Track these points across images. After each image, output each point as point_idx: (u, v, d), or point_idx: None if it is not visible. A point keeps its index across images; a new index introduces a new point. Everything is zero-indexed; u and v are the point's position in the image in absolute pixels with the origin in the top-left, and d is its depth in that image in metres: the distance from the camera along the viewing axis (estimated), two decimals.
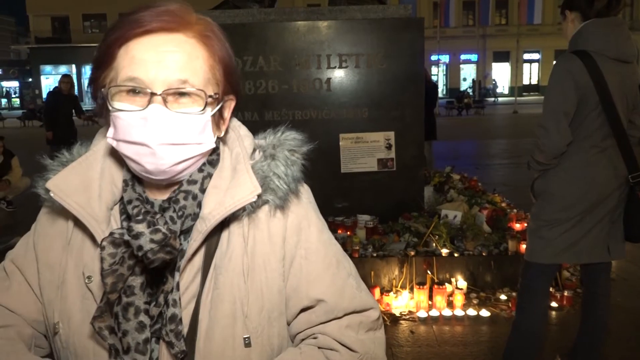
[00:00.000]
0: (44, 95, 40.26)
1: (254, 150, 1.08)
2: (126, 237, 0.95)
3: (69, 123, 9.20)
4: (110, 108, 0.95)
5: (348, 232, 4.72)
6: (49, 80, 43.15)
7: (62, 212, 1.06)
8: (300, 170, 1.06)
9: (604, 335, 2.91)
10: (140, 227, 0.92)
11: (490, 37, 41.66)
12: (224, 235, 1.03)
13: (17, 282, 1.12)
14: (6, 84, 53.71)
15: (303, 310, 1.09)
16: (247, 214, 1.02)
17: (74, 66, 41.69)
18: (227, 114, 1.06)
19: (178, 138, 0.94)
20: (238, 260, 1.01)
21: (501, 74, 44.51)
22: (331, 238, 1.14)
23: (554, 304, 4.06)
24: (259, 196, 1.00)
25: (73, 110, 9.36)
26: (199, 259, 1.01)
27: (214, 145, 1.01)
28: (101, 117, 1.03)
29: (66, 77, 9.48)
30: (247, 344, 1.01)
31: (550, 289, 3.60)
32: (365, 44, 4.94)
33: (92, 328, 0.98)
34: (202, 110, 0.96)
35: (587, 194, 2.59)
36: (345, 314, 1.10)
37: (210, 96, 0.97)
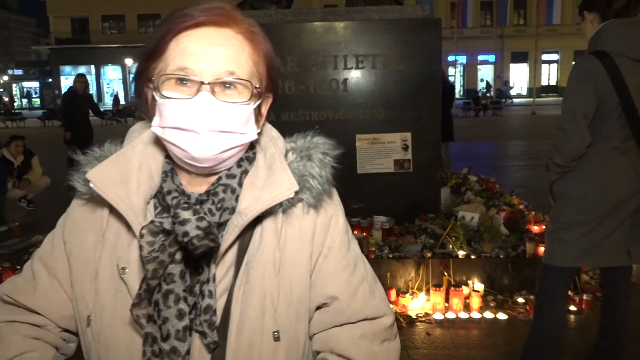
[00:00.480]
0: None
1: (287, 152, 1.12)
2: (166, 226, 0.98)
3: (86, 123, 9.31)
4: (158, 96, 0.99)
5: (364, 233, 4.72)
6: (68, 81, 43.60)
7: (97, 205, 1.09)
8: (331, 172, 1.11)
9: (624, 340, 2.86)
10: (187, 214, 0.95)
11: (509, 38, 41.30)
12: (257, 230, 1.06)
13: (43, 281, 1.14)
14: (27, 84, 54.48)
15: (318, 308, 1.13)
16: (282, 210, 1.05)
17: (92, 67, 42.16)
18: (265, 110, 1.10)
19: (225, 126, 0.98)
20: (270, 254, 1.04)
21: (519, 74, 44.10)
22: (352, 241, 1.17)
23: (572, 308, 4.01)
24: (295, 193, 1.04)
25: (90, 110, 9.45)
26: (232, 252, 1.04)
27: (256, 137, 1.05)
28: (141, 108, 1.08)
29: (81, 77, 9.56)
30: (276, 337, 1.03)
31: (569, 293, 3.56)
32: (382, 44, 4.92)
33: (127, 318, 1.00)
34: (248, 100, 1.00)
35: (607, 196, 2.55)
36: (359, 320, 1.12)
37: (255, 87, 1.01)
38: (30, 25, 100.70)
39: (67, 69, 42.47)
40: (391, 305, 3.96)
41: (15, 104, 51.31)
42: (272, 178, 1.05)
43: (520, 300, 4.12)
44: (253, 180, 1.06)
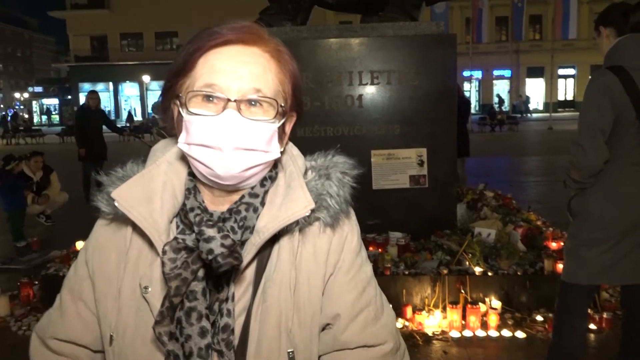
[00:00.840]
0: None
1: (306, 170, 1.12)
2: (189, 243, 0.99)
3: (99, 139, 9.40)
4: (185, 113, 1.00)
5: (380, 249, 4.69)
6: None
7: (120, 224, 1.10)
8: (350, 192, 1.10)
9: None
10: (211, 232, 0.95)
11: (524, 53, 41.19)
12: (275, 249, 1.05)
13: (69, 307, 1.15)
14: (46, 101, 55.41)
15: (323, 329, 1.11)
16: (298, 228, 1.05)
17: (111, 83, 42.82)
18: (288, 129, 1.10)
19: (249, 144, 0.98)
20: (286, 273, 1.04)
21: (535, 89, 43.88)
22: (364, 263, 1.16)
23: (592, 326, 3.94)
24: (312, 211, 1.04)
25: (103, 126, 9.55)
26: (251, 271, 1.04)
27: (279, 155, 1.05)
28: (167, 124, 1.09)
29: (93, 93, 9.69)
30: (291, 358, 1.03)
31: (589, 311, 3.49)
32: (397, 60, 4.94)
33: (148, 337, 1.01)
34: (273, 119, 1.01)
35: (627, 213, 2.52)
36: (357, 347, 1.10)
37: (280, 106, 1.02)
38: (51, 43, 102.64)
39: (86, 86, 43.11)
40: (407, 323, 3.93)
41: (35, 120, 52.16)
42: (289, 196, 1.04)
43: (539, 318, 4.05)
44: (272, 198, 1.06)
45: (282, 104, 1.03)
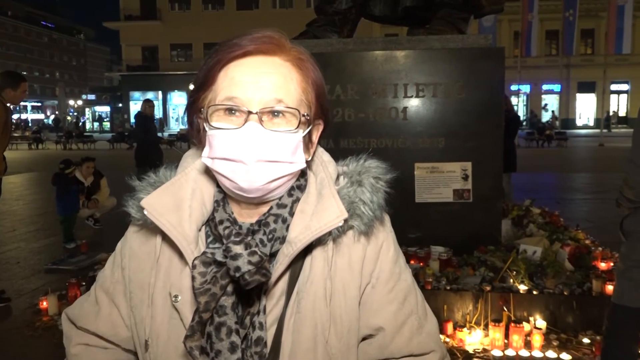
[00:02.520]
0: (132, 120, 42.70)
1: (338, 176, 1.10)
2: (218, 257, 0.98)
3: (157, 144, 9.77)
4: (207, 127, 0.99)
5: (421, 264, 4.63)
6: (136, 106, 45.64)
7: (151, 232, 1.10)
8: (384, 198, 1.07)
9: None
10: (238, 249, 0.94)
11: (575, 67, 40.22)
12: (307, 259, 1.04)
13: (104, 306, 1.18)
14: (99, 108, 57.33)
15: (363, 339, 1.10)
16: (332, 238, 1.03)
17: (160, 92, 43.96)
18: (316, 137, 1.08)
19: (272, 155, 0.97)
20: (320, 284, 1.02)
21: (586, 105, 42.73)
22: (403, 271, 1.13)
23: None
24: (345, 221, 1.01)
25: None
26: (283, 282, 1.03)
27: (304, 166, 1.03)
28: (193, 137, 1.08)
29: (149, 102, 10.05)
30: None
31: None
32: (443, 73, 4.90)
33: (181, 347, 1.00)
34: (296, 129, 0.99)
35: None
36: (403, 357, 1.09)
37: (303, 115, 1.00)
38: (105, 53, 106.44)
39: (136, 94, 44.49)
40: (447, 339, 3.86)
41: (87, 127, 54.00)
42: (321, 205, 1.02)
43: (586, 340, 3.91)
44: (303, 208, 1.04)
45: (306, 113, 1.01)
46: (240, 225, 1.04)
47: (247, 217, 1.06)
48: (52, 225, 8.31)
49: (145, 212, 1.04)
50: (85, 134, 37.86)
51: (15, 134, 37.56)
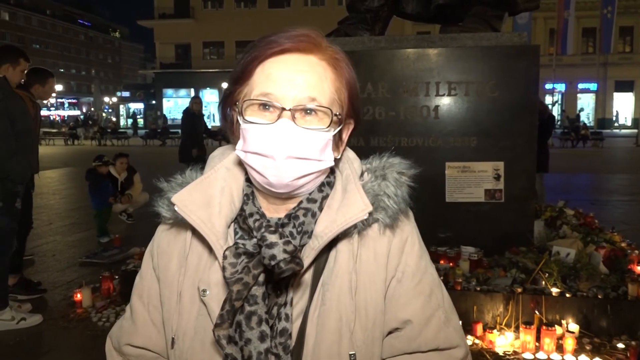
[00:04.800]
0: (168, 116, 43.37)
1: (362, 173, 1.12)
2: (249, 248, 1.01)
3: (202, 141, 9.98)
4: (241, 120, 1.02)
5: (451, 264, 4.59)
6: (169, 103, 46.41)
7: (180, 230, 1.13)
8: (407, 192, 1.09)
9: None
10: (274, 238, 0.97)
11: (612, 66, 39.25)
12: (332, 253, 1.05)
13: (141, 315, 1.19)
14: (132, 105, 58.31)
15: (390, 333, 1.10)
16: (357, 231, 1.05)
17: (192, 90, 44.48)
18: (345, 136, 1.10)
19: (302, 152, 0.99)
20: (345, 277, 1.03)
21: (624, 104, 41.66)
22: (428, 266, 1.14)
23: None
24: (370, 214, 1.03)
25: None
26: (308, 275, 1.05)
27: (332, 164, 1.05)
28: (227, 131, 1.11)
29: (197, 98, 10.35)
30: None
31: None
32: (476, 71, 4.84)
33: (207, 342, 1.03)
34: (327, 127, 1.01)
35: None
36: (430, 350, 1.09)
37: (335, 114, 1.01)
38: (139, 51, 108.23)
39: (169, 91, 45.16)
40: (477, 341, 3.82)
41: (121, 123, 55.01)
42: (346, 200, 1.04)
43: (620, 345, 3.82)
44: (330, 203, 1.06)
45: (338, 113, 1.03)
46: (268, 219, 1.06)
47: (274, 212, 1.08)
48: (87, 219, 8.50)
49: (176, 208, 1.06)
50: (120, 130, 38.60)
51: (52, 130, 38.57)
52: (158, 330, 1.17)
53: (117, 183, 8.24)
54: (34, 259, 6.39)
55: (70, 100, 74.40)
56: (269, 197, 1.07)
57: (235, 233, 1.08)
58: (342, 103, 1.05)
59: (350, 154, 1.14)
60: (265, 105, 0.99)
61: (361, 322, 1.04)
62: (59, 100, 67.72)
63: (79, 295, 4.78)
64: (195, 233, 1.07)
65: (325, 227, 1.02)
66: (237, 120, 1.04)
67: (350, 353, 1.02)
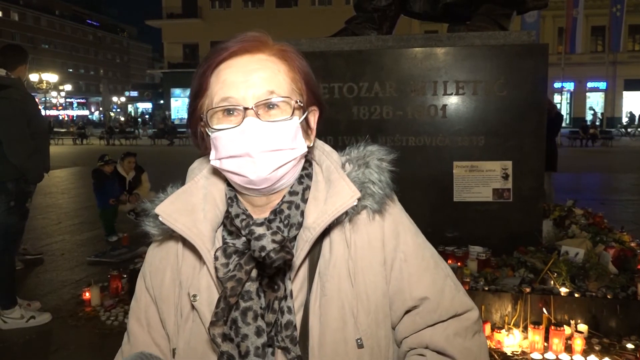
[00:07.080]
0: (176, 116, 43.50)
1: (343, 164, 1.15)
2: (239, 246, 1.03)
3: None
4: (210, 131, 1.04)
5: (459, 263, 4.57)
6: (177, 103, 46.52)
7: (171, 244, 1.15)
8: (390, 177, 1.12)
9: None
10: (261, 230, 0.99)
11: (622, 64, 38.96)
12: (326, 243, 1.08)
13: (139, 336, 1.19)
14: (141, 105, 58.57)
15: (407, 312, 1.14)
16: (348, 219, 1.08)
17: None
18: (313, 123, 1.12)
19: (274, 144, 1.01)
20: (343, 265, 1.06)
21: (633, 103, 41.34)
22: (425, 241, 1.19)
23: None
24: (358, 201, 1.06)
25: None
26: (304, 267, 1.07)
27: (305, 150, 1.07)
28: (199, 147, 1.13)
29: None
30: (360, 345, 1.05)
31: None
32: (484, 70, 4.82)
33: (200, 348, 1.05)
34: (291, 116, 1.03)
35: None
36: (449, 317, 1.13)
37: (296, 101, 1.04)
38: (147, 50, 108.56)
39: (177, 91, 45.28)
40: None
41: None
42: (333, 189, 1.07)
43: (629, 346, 3.79)
44: (315, 195, 1.09)
45: (298, 100, 1.05)
46: (255, 220, 1.08)
47: (259, 212, 1.10)
48: (95, 218, 8.53)
49: (160, 219, 1.09)
50: (128, 129, 38.77)
51: (61, 130, 38.79)
52: (161, 351, 1.18)
53: (125, 182, 8.26)
54: (43, 257, 6.43)
55: (79, 100, 74.85)
56: (253, 199, 1.09)
57: (223, 237, 1.10)
58: (301, 91, 1.07)
59: (326, 147, 1.17)
60: (228, 110, 1.02)
61: (363, 306, 1.07)
62: (67, 100, 68.07)
63: (87, 294, 4.80)
64: (186, 244, 1.10)
65: (317, 218, 1.05)
66: (207, 133, 1.06)
67: (357, 338, 1.05)
